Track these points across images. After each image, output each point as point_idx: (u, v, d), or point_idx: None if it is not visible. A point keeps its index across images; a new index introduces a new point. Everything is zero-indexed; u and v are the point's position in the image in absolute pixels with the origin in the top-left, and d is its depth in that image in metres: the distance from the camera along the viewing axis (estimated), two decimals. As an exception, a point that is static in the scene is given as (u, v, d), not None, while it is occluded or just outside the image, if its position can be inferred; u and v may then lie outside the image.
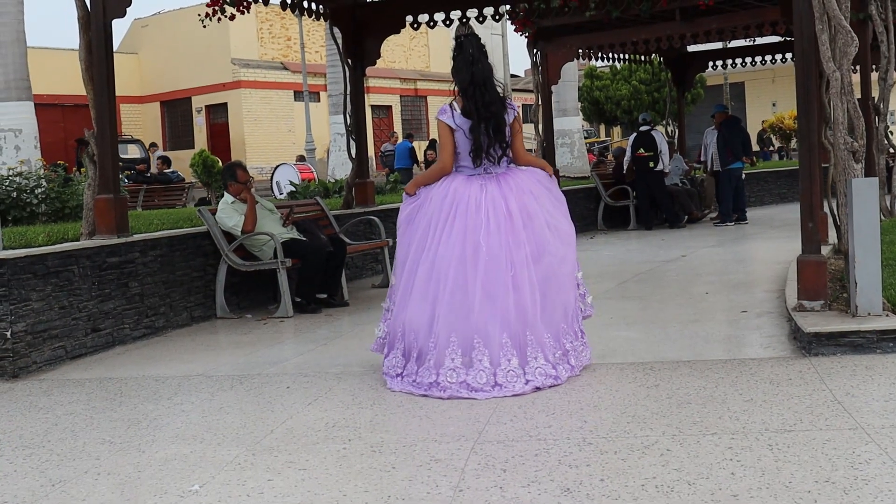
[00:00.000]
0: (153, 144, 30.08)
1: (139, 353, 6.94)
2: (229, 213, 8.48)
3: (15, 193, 10.89)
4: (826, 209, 10.17)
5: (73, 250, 6.87)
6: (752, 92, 40.19)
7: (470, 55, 5.44)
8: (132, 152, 31.55)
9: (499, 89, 5.53)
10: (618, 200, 16.04)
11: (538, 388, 5.04)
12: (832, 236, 10.15)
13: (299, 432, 4.48)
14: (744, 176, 15.82)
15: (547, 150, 15.53)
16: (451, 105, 5.51)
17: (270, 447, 4.26)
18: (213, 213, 8.55)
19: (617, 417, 4.41)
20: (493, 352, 5.10)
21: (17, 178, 11.09)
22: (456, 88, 5.53)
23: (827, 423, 4.12)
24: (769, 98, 39.93)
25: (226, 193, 8.67)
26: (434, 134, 34.57)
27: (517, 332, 5.17)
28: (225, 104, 37.20)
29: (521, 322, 5.18)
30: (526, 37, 15.31)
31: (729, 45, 19.80)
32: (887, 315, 5.60)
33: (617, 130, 48.42)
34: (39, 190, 11.08)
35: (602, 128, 48.86)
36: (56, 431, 4.79)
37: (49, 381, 6.11)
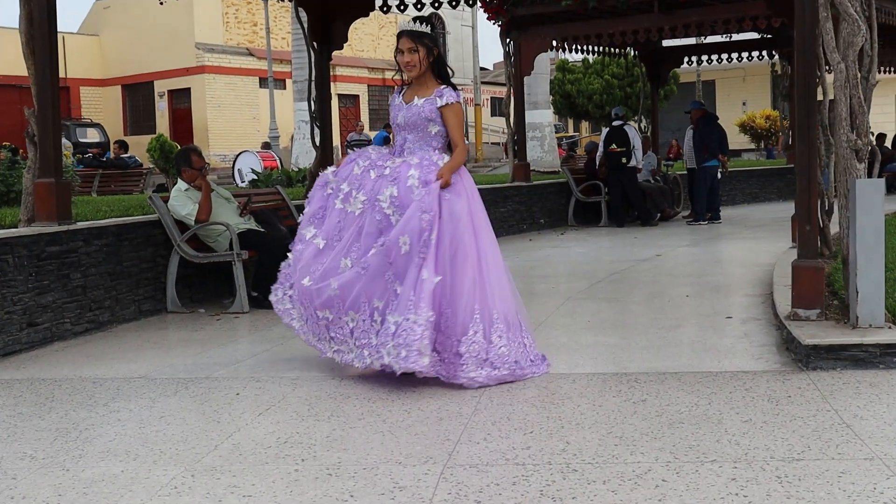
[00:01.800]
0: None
1: (79, 351, 6.40)
2: (182, 201, 7.94)
3: (-44, 176, 10.27)
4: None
5: (7, 238, 6.31)
6: (723, 90, 39.97)
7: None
8: (91, 136, 30.77)
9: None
10: (589, 196, 15.63)
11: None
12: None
13: (247, 449, 3.98)
14: (720, 175, 15.48)
15: (518, 143, 15.10)
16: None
17: (213, 467, 3.76)
18: (166, 200, 8.01)
19: (603, 438, 3.95)
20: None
21: (-41, 160, 10.45)
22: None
23: (839, 451, 3.68)
24: (740, 97, 39.74)
25: (179, 180, 8.13)
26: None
27: None
28: (188, 89, 36.43)
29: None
30: (499, 26, 14.85)
31: (704, 41, 19.47)
32: (890, 327, 5.19)
33: (585, 125, 48.14)
34: (-19, 173, 10.46)
35: (571, 122, 48.57)
36: (-27, 442, 4.26)
37: (-25, 381, 5.57)
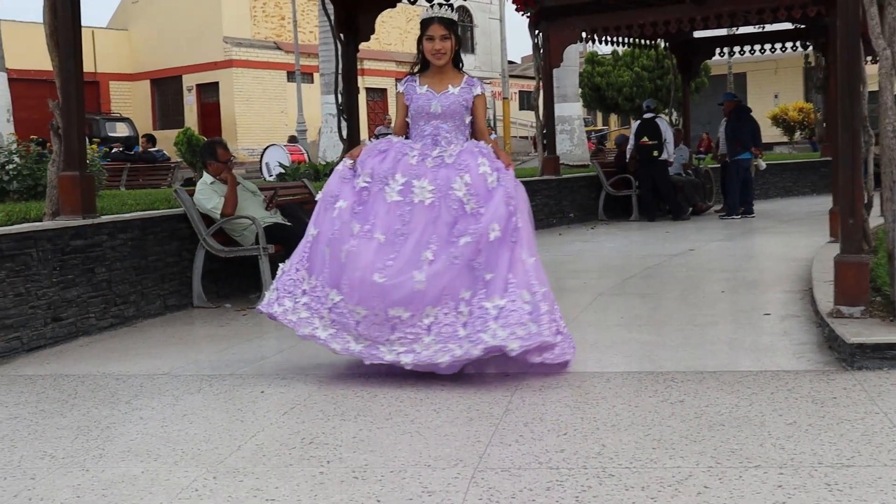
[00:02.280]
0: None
1: (103, 346, 6.31)
2: (208, 195, 7.84)
3: (-18, 169, 10.21)
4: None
5: (31, 232, 6.22)
6: (755, 83, 39.51)
7: None
8: (120, 130, 30.85)
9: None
10: (620, 190, 15.42)
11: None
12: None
13: (271, 450, 3.86)
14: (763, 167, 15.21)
15: (548, 137, 14.92)
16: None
17: (235, 469, 3.64)
18: (192, 194, 7.91)
19: (640, 441, 3.79)
20: None
21: (-13, 153, 10.40)
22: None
23: (891, 456, 3.50)
24: (771, 90, 39.28)
25: (205, 173, 8.03)
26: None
27: None
28: (216, 83, 36.47)
29: None
30: (527, 17, 14.66)
31: (736, 32, 19.15)
32: (937, 325, 5.00)
33: (614, 119, 47.78)
34: (10, 166, 10.38)
35: (599, 116, 48.24)
36: (-8, 441, 4.16)
37: (-2, 377, 5.48)
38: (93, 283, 6.73)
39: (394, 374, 5.03)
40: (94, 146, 12.00)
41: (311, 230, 5.16)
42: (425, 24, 5.28)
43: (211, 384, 5.06)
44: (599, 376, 4.92)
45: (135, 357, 5.91)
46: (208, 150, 8.12)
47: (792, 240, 11.48)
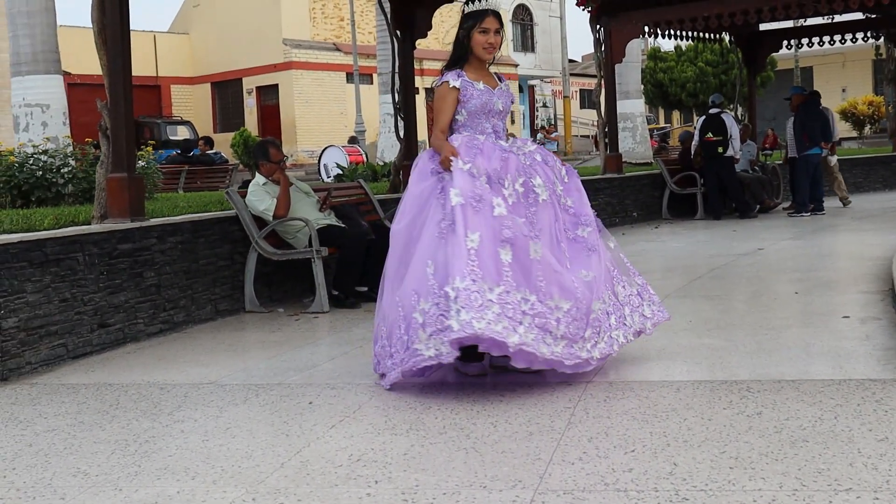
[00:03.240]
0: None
1: (151, 353, 6.13)
2: (260, 196, 7.64)
3: (40, 173, 10.13)
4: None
5: (77, 235, 6.06)
6: (821, 77, 38.56)
7: None
8: (181, 134, 31.03)
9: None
10: (684, 188, 15.00)
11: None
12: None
13: (315, 467, 3.60)
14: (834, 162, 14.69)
15: (610, 134, 14.55)
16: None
17: (276, 489, 3.39)
18: (244, 195, 7.72)
19: (715, 459, 3.47)
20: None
21: (43, 157, 10.33)
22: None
23: None
24: (838, 83, 38.32)
25: (257, 174, 7.84)
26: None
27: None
28: (276, 86, 36.56)
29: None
30: (589, 12, 14.34)
31: (804, 24, 18.56)
32: None
33: (676, 116, 47.04)
34: (66, 169, 10.31)
35: (661, 113, 47.53)
36: (27, 455, 3.96)
37: (41, 385, 5.31)
38: (141, 287, 6.57)
39: (449, 384, 4.77)
40: (150, 148, 11.90)
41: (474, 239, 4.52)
42: (478, 15, 5.08)
43: (258, 394, 4.83)
44: (668, 385, 4.60)
45: (182, 364, 5.72)
46: (260, 151, 7.92)
47: (866, 238, 11.01)
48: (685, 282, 8.18)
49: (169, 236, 6.89)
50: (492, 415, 4.21)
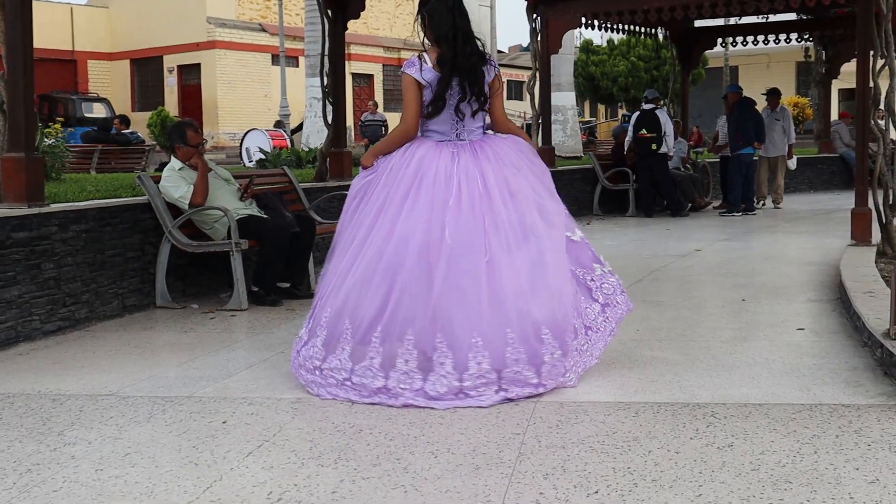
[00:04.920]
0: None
1: (46, 355, 5.50)
2: (175, 182, 7.03)
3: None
4: (871, 205, 8.90)
5: (-37, 222, 5.41)
6: (747, 77, 38.75)
7: (449, 3, 4.67)
8: (97, 111, 29.86)
9: (479, 45, 4.77)
10: (616, 184, 14.68)
11: (511, 400, 4.24)
12: (875, 236, 8.90)
13: (228, 509, 3.07)
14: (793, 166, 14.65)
15: (544, 127, 14.14)
16: (419, 57, 4.64)
17: (181, 538, 2.85)
18: (157, 181, 7.10)
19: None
20: (459, 355, 4.16)
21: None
22: (427, 42, 4.73)
23: None
24: (763, 84, 38.55)
25: (172, 158, 7.21)
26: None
27: (492, 330, 4.20)
28: (198, 65, 35.46)
29: (497, 318, 4.22)
30: (526, 0, 13.88)
31: (738, 22, 18.38)
32: None
33: (602, 110, 47.03)
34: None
35: (587, 106, 47.50)
36: None
37: (-85, 393, 4.67)
38: (38, 281, 5.92)
39: (380, 403, 4.26)
40: (58, 126, 11.12)
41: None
42: None
43: (164, 409, 4.27)
44: (625, 408, 4.15)
45: (80, 370, 5.11)
46: (177, 133, 7.29)
47: (802, 241, 10.79)
48: (626, 284, 7.71)
49: (72, 224, 6.25)
50: (431, 441, 3.72)
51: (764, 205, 14.81)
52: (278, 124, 27.29)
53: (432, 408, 4.12)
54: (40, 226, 5.95)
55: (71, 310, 6.20)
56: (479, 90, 4.68)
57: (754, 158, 14.39)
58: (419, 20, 4.70)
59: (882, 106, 8.42)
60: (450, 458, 3.52)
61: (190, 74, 35.97)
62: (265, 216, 7.25)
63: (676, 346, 5.45)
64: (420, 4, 4.74)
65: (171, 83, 36.46)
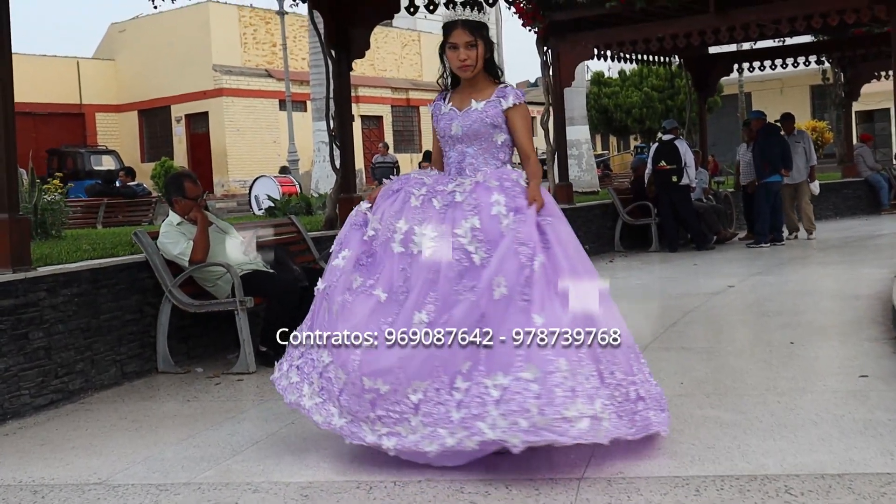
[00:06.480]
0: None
1: (34, 435, 5.00)
2: (174, 238, 6.56)
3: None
4: None
5: (-61, 293, 4.94)
6: (760, 103, 38.21)
7: None
8: (106, 164, 29.61)
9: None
10: (637, 219, 14.17)
11: None
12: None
13: None
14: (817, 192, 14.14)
15: (560, 162, 13.68)
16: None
17: None
18: (155, 236, 6.64)
19: None
20: None
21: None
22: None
23: None
24: (778, 109, 38.13)
25: (171, 213, 6.75)
26: (428, 145, 32.73)
27: None
28: (206, 113, 35.22)
29: None
30: (535, 33, 13.48)
31: (753, 47, 17.96)
32: None
33: (613, 142, 46.64)
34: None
35: (599, 139, 47.12)
36: None
37: None
38: (26, 352, 5.44)
39: (403, 480, 3.75)
40: (57, 181, 10.70)
41: (319, 283, 4.39)
42: (447, 29, 4.31)
43: (157, 501, 3.75)
44: (684, 484, 3.62)
45: (69, 452, 4.60)
46: (175, 185, 6.83)
47: (839, 272, 10.25)
48: (661, 328, 7.25)
49: (62, 288, 5.77)
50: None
51: (796, 237, 14.19)
52: (283, 170, 26.96)
53: None
54: (27, 292, 5.48)
55: (64, 381, 5.71)
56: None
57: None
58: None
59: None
60: (488, 559, 3.00)
61: (198, 123, 35.74)
62: (271, 270, 6.77)
63: (728, 401, 4.91)
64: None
65: (179, 132, 36.24)
